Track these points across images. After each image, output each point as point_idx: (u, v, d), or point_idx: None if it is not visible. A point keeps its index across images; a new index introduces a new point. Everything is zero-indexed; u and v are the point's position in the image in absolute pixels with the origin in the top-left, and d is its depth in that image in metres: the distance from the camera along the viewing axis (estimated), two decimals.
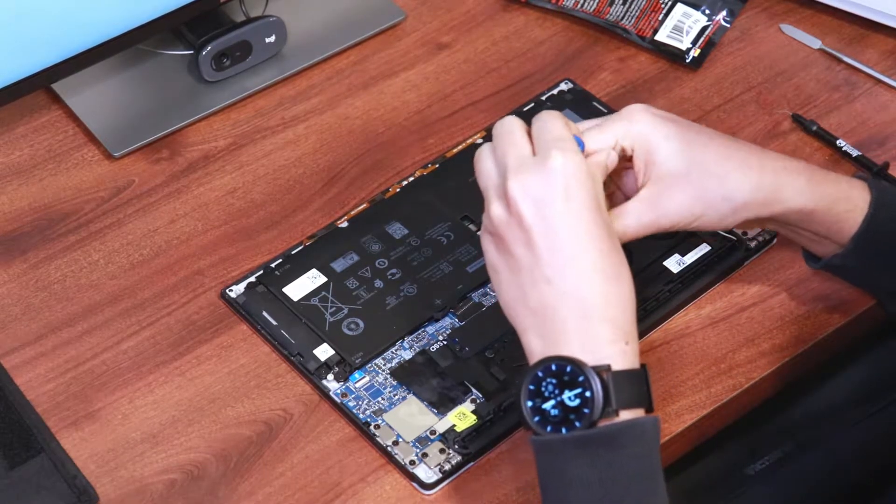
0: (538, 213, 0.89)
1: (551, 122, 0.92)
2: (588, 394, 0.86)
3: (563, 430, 0.87)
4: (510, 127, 0.93)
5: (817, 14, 1.29)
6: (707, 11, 1.27)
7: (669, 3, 1.28)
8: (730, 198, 0.96)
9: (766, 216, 0.98)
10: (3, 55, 1.10)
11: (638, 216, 0.96)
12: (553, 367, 0.87)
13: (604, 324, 0.88)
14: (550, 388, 0.87)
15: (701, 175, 0.96)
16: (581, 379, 0.86)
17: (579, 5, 1.28)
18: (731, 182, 0.96)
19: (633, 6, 1.28)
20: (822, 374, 1.18)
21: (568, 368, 0.87)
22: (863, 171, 1.03)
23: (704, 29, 1.27)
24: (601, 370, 0.87)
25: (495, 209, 0.90)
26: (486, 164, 0.93)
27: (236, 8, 1.26)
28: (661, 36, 1.26)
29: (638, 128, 0.96)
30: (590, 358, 0.87)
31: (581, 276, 0.88)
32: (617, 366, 0.87)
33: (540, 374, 0.88)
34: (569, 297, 0.88)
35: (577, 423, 0.86)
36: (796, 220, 0.99)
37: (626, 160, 0.97)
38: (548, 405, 0.88)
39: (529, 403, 0.88)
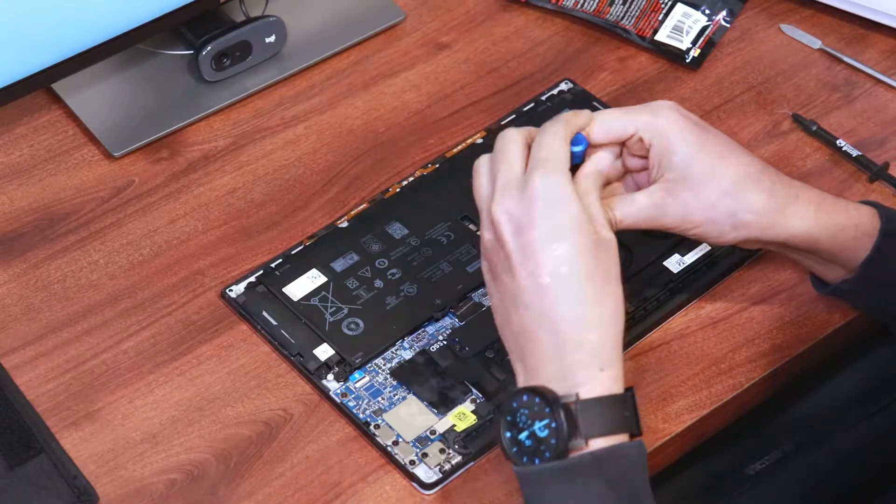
0: (518, 237, 0.89)
1: (545, 139, 0.91)
2: (554, 424, 0.86)
3: (536, 461, 0.87)
4: (505, 143, 0.92)
5: (817, 14, 1.29)
6: (707, 11, 1.27)
7: (669, 3, 1.28)
8: (734, 215, 0.96)
9: (768, 239, 0.98)
10: (3, 55, 1.10)
11: (640, 208, 0.96)
12: (524, 398, 0.88)
13: (578, 350, 0.87)
14: (524, 418, 0.88)
15: (712, 187, 0.95)
16: (548, 410, 0.87)
17: (579, 5, 1.28)
18: (739, 201, 0.96)
19: (633, 6, 1.28)
20: (822, 374, 1.18)
21: (536, 399, 0.87)
22: (870, 200, 1.02)
23: (704, 29, 1.27)
24: (569, 400, 0.86)
25: (484, 233, 0.91)
26: (481, 180, 0.93)
27: (236, 8, 1.26)
28: (661, 36, 1.26)
29: (661, 124, 0.96)
30: (561, 385, 0.87)
31: (556, 301, 0.88)
32: (589, 393, 0.87)
33: (514, 404, 0.88)
34: (544, 321, 0.88)
35: (547, 454, 0.87)
36: (800, 246, 0.99)
37: (643, 153, 0.97)
38: (522, 436, 0.88)
39: (507, 434, 0.89)
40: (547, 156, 0.90)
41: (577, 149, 0.94)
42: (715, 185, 0.95)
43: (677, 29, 1.26)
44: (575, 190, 0.90)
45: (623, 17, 1.27)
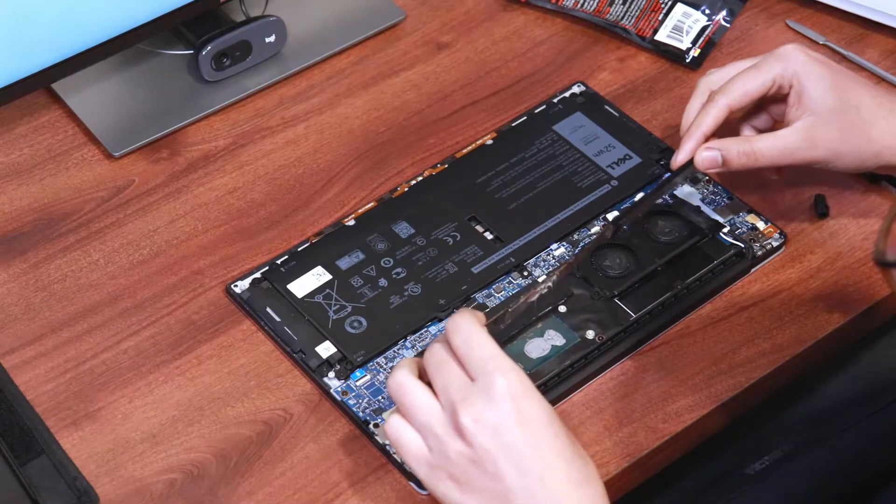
0: (498, 441, 0.87)
1: (476, 337, 0.89)
2: None
3: None
4: (441, 356, 0.90)
5: (817, 14, 1.29)
6: (707, 11, 1.27)
7: (669, 2, 1.28)
8: (875, 140, 1.04)
9: None
10: (3, 55, 1.10)
11: (787, 140, 1.04)
12: None
13: None
14: None
15: (852, 117, 1.04)
16: None
17: (579, 5, 1.28)
18: (878, 127, 1.04)
19: (633, 6, 1.28)
20: (822, 374, 1.18)
21: None
22: None
23: (704, 29, 1.27)
24: None
25: (455, 447, 0.88)
26: (422, 400, 0.90)
27: (236, 8, 1.26)
28: (661, 36, 1.26)
29: (793, 66, 1.05)
30: None
31: (555, 492, 0.87)
32: None
33: None
34: None
35: None
36: None
37: (778, 100, 1.06)
38: None
39: None
40: (492, 353, 0.88)
41: None
42: (855, 114, 1.04)
43: (677, 29, 1.26)
44: (528, 379, 0.89)
45: (623, 17, 1.27)
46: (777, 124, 1.10)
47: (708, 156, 1.06)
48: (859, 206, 1.14)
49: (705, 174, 1.15)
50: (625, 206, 1.12)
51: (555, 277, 0.99)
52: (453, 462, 0.88)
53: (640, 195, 1.13)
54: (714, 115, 1.06)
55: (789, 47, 1.06)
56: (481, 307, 1.07)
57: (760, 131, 1.10)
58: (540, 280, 1.07)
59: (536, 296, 0.98)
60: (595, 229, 1.11)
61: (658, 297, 1.07)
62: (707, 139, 1.07)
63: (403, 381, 0.90)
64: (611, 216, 1.12)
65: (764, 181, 1.15)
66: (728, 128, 1.10)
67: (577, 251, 1.09)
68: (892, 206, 0.91)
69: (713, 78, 1.09)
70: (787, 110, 1.06)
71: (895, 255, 0.77)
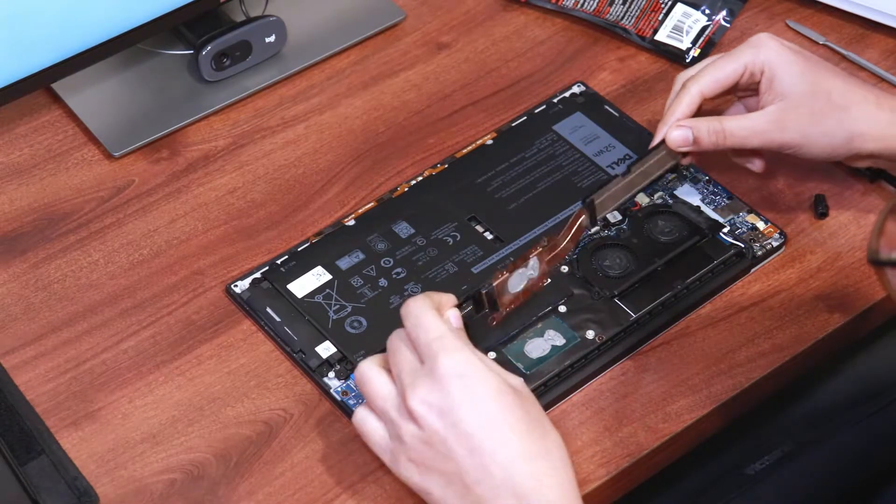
0: (446, 422, 0.88)
1: (424, 319, 0.91)
2: None
3: None
4: (395, 343, 0.93)
5: (817, 13, 1.29)
6: (707, 11, 1.27)
7: (669, 2, 1.28)
8: (847, 126, 1.04)
9: (880, 151, 1.05)
10: (3, 55, 1.10)
11: (755, 121, 1.05)
12: None
13: (542, 500, 0.88)
14: None
15: (822, 102, 1.04)
16: None
17: (579, 5, 1.28)
18: (850, 113, 1.04)
19: (633, 6, 1.28)
20: (822, 374, 1.18)
21: None
22: None
23: (704, 29, 1.27)
24: None
25: (408, 430, 0.90)
26: (378, 387, 0.92)
27: (236, 8, 1.26)
28: (661, 36, 1.26)
29: (765, 53, 1.06)
30: None
31: (507, 468, 0.88)
32: None
33: None
34: (501, 490, 0.88)
35: None
36: None
37: (752, 88, 1.06)
38: None
39: None
40: (438, 334, 0.90)
41: None
42: (825, 100, 1.04)
43: (677, 29, 1.26)
44: (478, 355, 0.90)
45: (623, 17, 1.27)
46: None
47: (679, 133, 1.07)
48: (859, 206, 1.14)
49: (706, 173, 1.15)
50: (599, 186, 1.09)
51: (532, 260, 1.00)
52: (409, 445, 0.90)
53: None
54: (686, 102, 1.07)
55: (761, 35, 1.07)
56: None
57: None
58: (510, 261, 1.05)
59: (509, 275, 0.99)
60: (595, 228, 1.11)
61: (658, 297, 1.07)
62: None
63: (364, 370, 0.93)
64: (611, 216, 1.12)
65: (764, 181, 1.15)
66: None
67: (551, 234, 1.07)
68: (885, 205, 0.92)
69: (690, 71, 1.10)
70: (759, 97, 1.07)
71: (889, 253, 0.77)
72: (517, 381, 0.92)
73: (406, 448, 0.91)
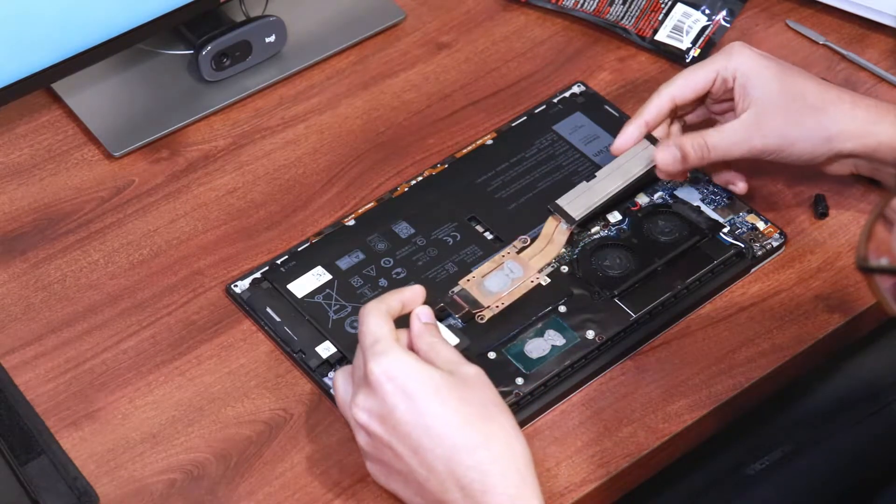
0: (386, 426, 0.91)
1: (364, 326, 0.94)
2: None
3: None
4: (356, 352, 0.95)
5: (817, 13, 1.29)
6: (707, 11, 1.27)
7: (669, 2, 1.28)
8: (825, 127, 1.04)
9: (859, 151, 1.05)
10: (3, 55, 1.10)
11: (733, 134, 1.05)
12: None
13: (489, 496, 0.88)
14: None
15: (798, 104, 1.04)
16: None
17: (579, 5, 1.28)
18: (827, 113, 1.04)
19: (633, 6, 1.28)
20: (822, 374, 1.18)
21: None
22: None
23: (704, 29, 1.27)
24: None
25: (360, 438, 0.93)
26: (340, 396, 0.96)
27: (236, 8, 1.26)
28: (661, 36, 1.26)
29: (737, 59, 1.07)
30: None
31: (448, 462, 0.89)
32: None
33: None
34: (448, 484, 0.89)
35: None
36: (890, 157, 1.05)
37: (726, 97, 1.07)
38: None
39: None
40: (371, 340, 0.92)
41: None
42: (801, 102, 1.05)
43: (677, 29, 1.26)
44: (410, 354, 0.92)
45: (623, 17, 1.27)
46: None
47: (667, 153, 1.08)
48: (859, 207, 1.14)
49: (706, 174, 1.14)
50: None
51: (508, 262, 1.01)
52: (366, 451, 0.94)
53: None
54: (656, 104, 1.08)
55: (735, 44, 1.08)
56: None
57: None
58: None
59: (478, 277, 1.02)
60: (595, 229, 1.11)
61: (658, 297, 1.07)
62: (650, 129, 1.09)
63: (334, 378, 0.96)
64: (611, 216, 1.12)
65: (764, 181, 1.15)
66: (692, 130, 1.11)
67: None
68: (872, 210, 0.91)
69: (668, 82, 1.11)
70: (735, 105, 1.07)
71: (877, 259, 0.76)
72: (470, 370, 0.92)
73: (366, 453, 0.94)
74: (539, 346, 1.04)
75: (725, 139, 1.06)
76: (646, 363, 1.05)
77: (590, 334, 1.05)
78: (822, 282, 1.10)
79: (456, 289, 1.02)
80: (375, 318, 0.93)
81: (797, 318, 1.08)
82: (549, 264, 1.05)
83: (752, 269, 1.10)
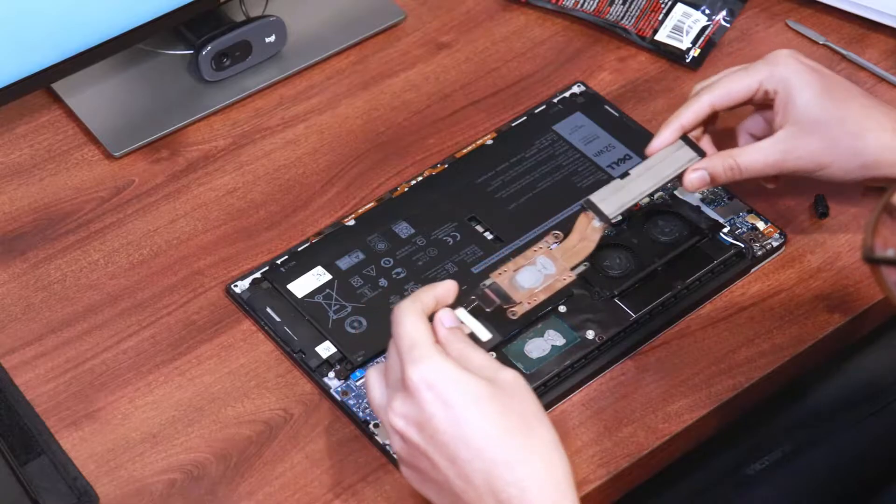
0: (424, 434, 0.88)
1: (401, 328, 0.90)
2: None
3: None
4: (388, 353, 0.92)
5: (817, 14, 1.29)
6: (707, 11, 1.27)
7: (669, 2, 1.28)
8: (861, 153, 1.02)
9: (894, 175, 1.03)
10: (3, 55, 1.10)
11: (767, 153, 1.03)
12: None
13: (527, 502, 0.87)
14: None
15: (837, 127, 1.02)
16: None
17: (579, 5, 1.28)
18: (865, 140, 1.02)
19: (633, 6, 1.28)
20: (822, 374, 1.18)
21: None
22: None
23: (704, 29, 1.27)
24: None
25: (396, 443, 0.90)
26: (375, 399, 0.92)
27: (236, 8, 1.26)
28: (661, 36, 1.26)
29: (781, 71, 1.04)
30: None
31: (487, 475, 0.86)
32: None
33: None
34: (486, 497, 0.87)
35: None
36: None
37: (766, 105, 1.05)
38: None
39: None
40: (409, 344, 0.89)
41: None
42: (839, 126, 1.02)
43: (677, 29, 1.26)
44: (450, 360, 0.88)
45: (623, 17, 1.27)
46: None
47: (696, 176, 1.06)
48: (859, 207, 1.14)
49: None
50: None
51: (541, 258, 1.00)
52: (401, 456, 0.91)
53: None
54: (694, 109, 1.06)
55: (782, 52, 1.05)
56: (481, 307, 1.06)
57: (757, 137, 1.10)
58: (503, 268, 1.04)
59: (512, 271, 0.99)
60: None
61: (658, 297, 1.07)
62: (685, 132, 1.07)
63: (367, 377, 0.92)
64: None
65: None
66: (729, 134, 1.11)
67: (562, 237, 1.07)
68: (878, 202, 0.91)
69: (707, 81, 1.09)
70: (774, 115, 1.05)
71: (884, 251, 0.75)
72: (508, 375, 0.89)
73: (406, 458, 0.90)
74: (539, 346, 1.04)
75: (759, 160, 1.04)
76: (646, 363, 1.05)
77: (590, 334, 1.05)
78: (822, 282, 1.10)
79: (487, 282, 0.99)
80: (412, 320, 0.90)
81: (797, 318, 1.08)
82: (582, 262, 1.03)
83: (752, 269, 1.10)
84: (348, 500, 0.98)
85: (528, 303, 1.00)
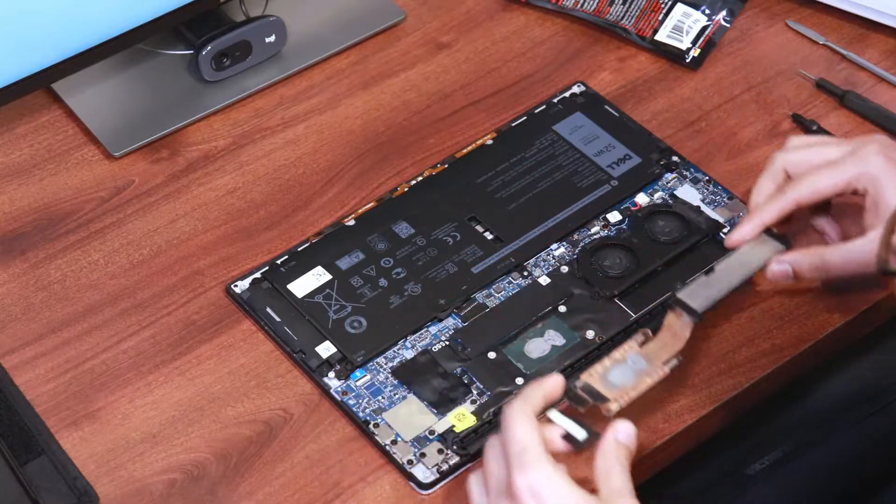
0: None
1: (511, 431, 0.87)
2: None
3: None
4: (488, 452, 0.89)
5: (817, 13, 1.29)
6: (707, 11, 1.27)
7: (669, 2, 1.28)
8: None
9: None
10: (3, 55, 1.10)
11: (856, 256, 0.98)
12: None
13: None
14: None
15: None
16: None
17: (579, 5, 1.28)
18: None
19: (633, 6, 1.28)
20: (822, 374, 1.18)
21: None
22: None
23: (704, 29, 1.27)
24: None
25: None
26: (474, 496, 0.90)
27: (236, 8, 1.26)
28: (661, 36, 1.26)
29: (872, 171, 0.98)
30: None
31: None
32: None
33: None
34: None
35: None
36: None
37: (857, 198, 0.99)
38: None
39: None
40: (519, 449, 0.86)
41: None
42: None
43: (677, 29, 1.26)
44: (559, 470, 0.86)
45: (623, 17, 1.27)
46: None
47: (779, 269, 1.02)
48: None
49: (706, 173, 1.15)
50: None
51: (631, 355, 0.97)
52: None
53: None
54: (780, 208, 1.02)
55: (870, 149, 1.00)
56: (481, 307, 1.07)
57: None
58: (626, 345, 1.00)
59: (603, 371, 0.96)
60: (595, 228, 1.11)
61: (658, 297, 1.07)
62: (766, 227, 1.03)
63: (467, 484, 0.90)
64: (611, 216, 1.12)
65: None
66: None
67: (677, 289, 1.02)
68: (891, 214, 0.91)
69: (789, 157, 1.04)
70: (864, 214, 1.00)
71: None
72: (618, 483, 0.87)
73: None
74: (539, 346, 1.04)
75: (848, 261, 1.00)
76: None
77: (590, 334, 1.05)
78: (823, 282, 1.10)
79: (579, 383, 0.94)
80: (522, 424, 0.87)
81: (797, 318, 1.08)
82: (674, 357, 0.98)
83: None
84: (348, 500, 0.98)
85: (622, 400, 0.96)
